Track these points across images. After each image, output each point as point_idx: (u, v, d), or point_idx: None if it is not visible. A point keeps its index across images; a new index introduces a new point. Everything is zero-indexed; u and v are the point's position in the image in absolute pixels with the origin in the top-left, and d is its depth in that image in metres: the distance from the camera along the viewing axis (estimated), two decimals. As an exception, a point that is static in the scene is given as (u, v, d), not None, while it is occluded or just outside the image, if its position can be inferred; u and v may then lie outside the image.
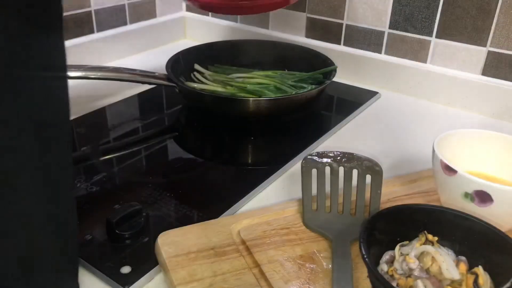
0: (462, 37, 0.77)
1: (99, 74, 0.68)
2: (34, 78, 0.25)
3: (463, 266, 0.40)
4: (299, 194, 0.50)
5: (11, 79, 0.24)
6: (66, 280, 0.32)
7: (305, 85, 0.78)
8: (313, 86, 0.77)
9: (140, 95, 0.81)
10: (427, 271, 0.40)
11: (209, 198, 0.55)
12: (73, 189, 0.30)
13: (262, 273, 0.43)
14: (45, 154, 0.27)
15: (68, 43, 0.88)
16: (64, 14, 0.87)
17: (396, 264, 0.41)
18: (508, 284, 0.38)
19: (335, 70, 0.77)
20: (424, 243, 0.42)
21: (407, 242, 0.43)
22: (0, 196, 0.25)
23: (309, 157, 0.50)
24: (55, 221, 0.29)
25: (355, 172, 0.49)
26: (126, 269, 0.44)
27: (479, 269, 0.40)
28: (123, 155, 0.64)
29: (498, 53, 0.75)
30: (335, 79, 0.76)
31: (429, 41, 0.81)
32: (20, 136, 0.25)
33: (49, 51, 0.26)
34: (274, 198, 0.56)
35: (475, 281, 0.39)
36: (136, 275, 0.43)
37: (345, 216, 0.49)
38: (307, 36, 0.94)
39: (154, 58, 0.99)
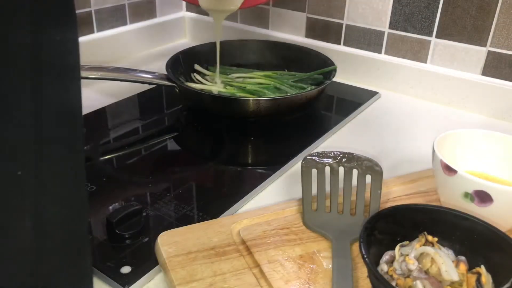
0: (462, 37, 0.77)
1: (99, 74, 0.68)
2: (51, 77, 0.25)
3: (463, 266, 0.40)
4: (299, 194, 0.50)
5: (30, 77, 0.24)
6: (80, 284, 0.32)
7: (305, 85, 0.78)
8: (313, 86, 0.77)
9: (140, 95, 0.80)
10: (427, 272, 0.40)
11: (209, 198, 0.55)
12: (86, 189, 0.30)
13: (262, 273, 0.43)
14: (62, 152, 0.27)
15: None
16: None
17: (396, 264, 0.41)
18: (508, 284, 0.38)
19: (335, 70, 0.77)
20: (424, 244, 0.42)
21: (407, 242, 0.43)
22: (20, 192, 0.25)
23: (309, 157, 0.50)
24: (68, 222, 0.29)
25: (355, 172, 0.49)
26: (126, 269, 0.44)
27: (482, 269, 0.40)
28: (123, 155, 0.64)
29: (498, 53, 0.75)
30: (335, 79, 0.76)
31: (429, 41, 0.81)
32: (39, 132, 0.25)
33: (64, 49, 0.26)
34: (274, 198, 0.56)
35: (478, 280, 0.39)
36: (136, 275, 0.44)
37: (345, 216, 0.49)
38: (307, 36, 0.94)
39: (154, 58, 0.99)
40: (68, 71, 0.27)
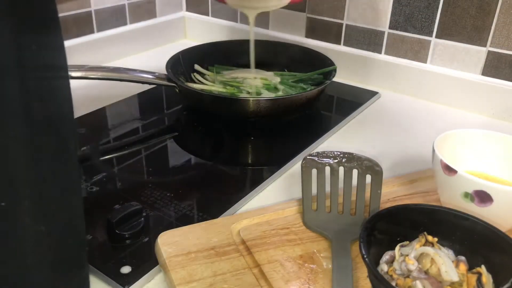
0: (462, 37, 0.77)
1: (99, 74, 0.68)
2: (36, 78, 0.25)
3: (463, 266, 0.40)
4: (299, 194, 0.50)
5: (16, 78, 0.24)
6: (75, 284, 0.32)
7: (304, 85, 0.78)
8: (313, 87, 0.77)
9: (140, 95, 0.81)
10: (426, 272, 0.40)
11: (209, 198, 0.55)
12: (81, 191, 0.30)
13: (262, 273, 0.43)
14: (53, 153, 0.27)
15: (68, 43, 0.88)
16: (64, 14, 0.87)
17: (395, 264, 0.41)
18: (508, 284, 0.38)
19: (335, 70, 0.77)
20: (424, 244, 0.42)
21: (407, 242, 0.43)
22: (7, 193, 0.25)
23: (309, 157, 0.50)
24: (62, 223, 0.29)
25: (355, 172, 0.49)
26: (126, 269, 0.44)
27: (482, 268, 0.40)
28: (123, 155, 0.64)
29: (498, 53, 0.75)
30: (335, 79, 0.76)
31: (429, 41, 0.81)
32: (30, 133, 0.25)
33: (49, 50, 0.26)
34: (274, 198, 0.56)
35: (479, 280, 0.39)
36: (136, 275, 0.44)
37: (345, 216, 0.49)
38: (307, 36, 0.94)
39: (154, 58, 0.99)
40: (55, 72, 0.26)
